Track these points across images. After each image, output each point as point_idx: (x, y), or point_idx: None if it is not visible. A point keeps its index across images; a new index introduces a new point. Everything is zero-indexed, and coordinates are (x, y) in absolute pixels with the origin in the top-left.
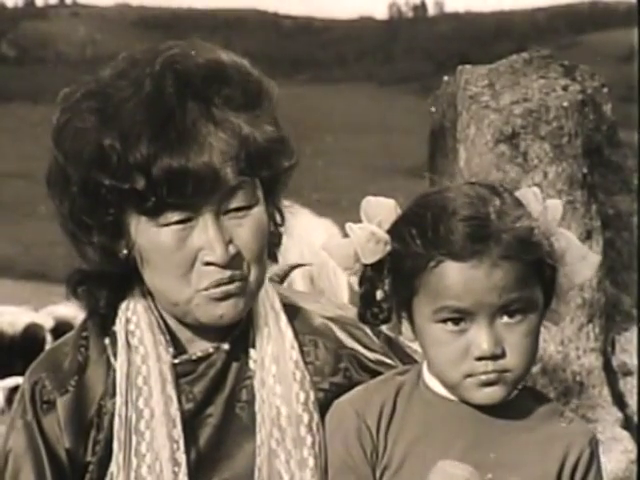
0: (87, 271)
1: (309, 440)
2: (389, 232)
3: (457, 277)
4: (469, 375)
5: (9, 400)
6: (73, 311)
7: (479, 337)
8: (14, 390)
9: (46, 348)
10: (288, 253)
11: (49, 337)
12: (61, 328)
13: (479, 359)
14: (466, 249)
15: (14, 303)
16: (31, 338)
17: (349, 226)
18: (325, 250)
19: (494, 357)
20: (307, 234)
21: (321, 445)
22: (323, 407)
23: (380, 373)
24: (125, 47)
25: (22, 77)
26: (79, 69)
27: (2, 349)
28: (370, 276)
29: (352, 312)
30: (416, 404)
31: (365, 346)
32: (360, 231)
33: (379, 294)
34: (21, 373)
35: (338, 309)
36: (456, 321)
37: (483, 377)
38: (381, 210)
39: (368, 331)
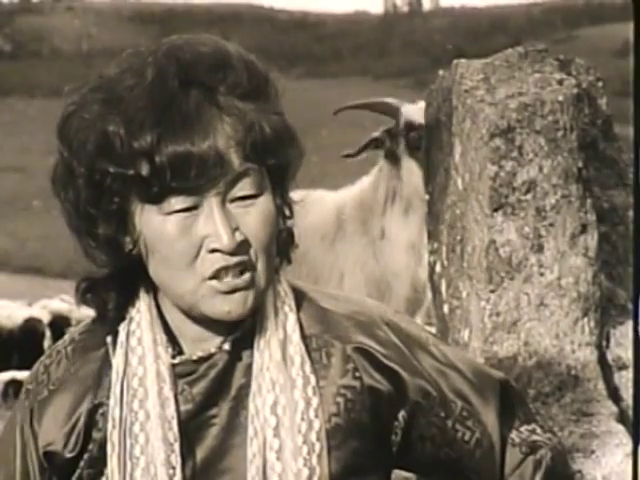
0: (94, 277)
1: (305, 450)
2: None
3: None
4: None
5: (5, 394)
6: (68, 305)
7: None
8: (10, 384)
9: (45, 342)
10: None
11: (48, 332)
12: (57, 322)
13: None
14: None
15: (9, 297)
16: (30, 332)
17: None
18: None
19: None
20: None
21: (323, 453)
22: (333, 414)
23: (394, 371)
24: (120, 41)
25: (18, 71)
26: (74, 63)
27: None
28: None
29: (369, 308)
30: None
31: (381, 343)
32: None
33: None
34: (18, 367)
35: (355, 306)
36: None
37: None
38: None
39: (386, 329)
